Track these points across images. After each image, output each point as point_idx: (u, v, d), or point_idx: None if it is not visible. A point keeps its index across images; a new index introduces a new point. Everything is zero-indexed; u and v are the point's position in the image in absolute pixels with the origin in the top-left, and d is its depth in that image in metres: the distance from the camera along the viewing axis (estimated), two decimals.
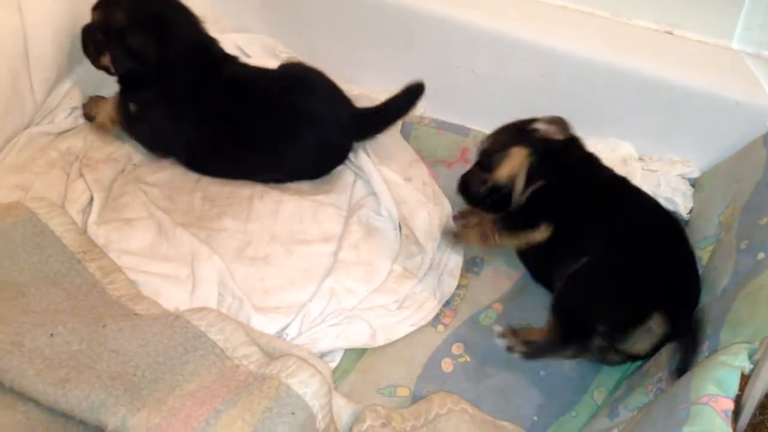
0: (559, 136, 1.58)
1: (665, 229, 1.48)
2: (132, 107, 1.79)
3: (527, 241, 1.52)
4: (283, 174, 1.79)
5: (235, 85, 1.75)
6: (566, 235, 1.48)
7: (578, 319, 1.39)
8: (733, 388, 1.02)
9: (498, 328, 1.48)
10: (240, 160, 1.78)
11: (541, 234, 1.49)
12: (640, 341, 1.38)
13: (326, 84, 1.81)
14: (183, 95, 1.74)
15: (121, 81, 1.80)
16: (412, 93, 1.75)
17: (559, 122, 1.60)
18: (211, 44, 1.79)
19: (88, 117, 1.89)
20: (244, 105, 1.73)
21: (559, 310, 1.42)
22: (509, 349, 1.45)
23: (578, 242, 1.46)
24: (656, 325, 1.35)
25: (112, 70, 1.78)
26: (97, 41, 1.75)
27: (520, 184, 1.54)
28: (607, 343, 1.38)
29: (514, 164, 1.55)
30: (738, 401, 1.02)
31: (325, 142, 1.75)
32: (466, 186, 1.63)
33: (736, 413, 1.02)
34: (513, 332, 1.46)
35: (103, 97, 1.89)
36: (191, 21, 1.77)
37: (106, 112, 1.85)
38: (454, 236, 1.65)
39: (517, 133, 1.60)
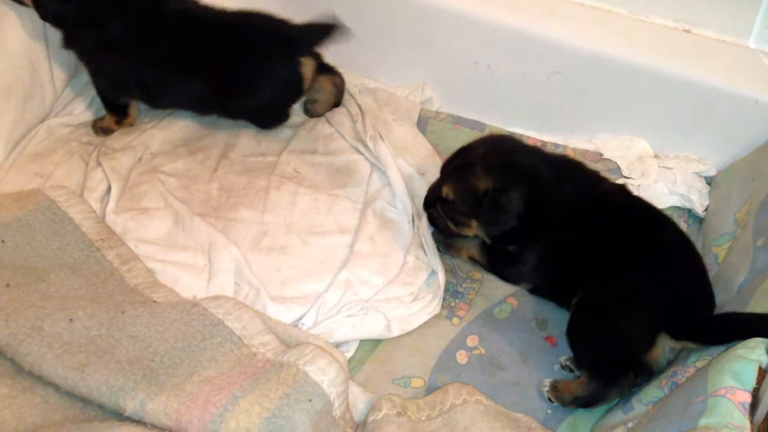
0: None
1: (664, 241, 1.44)
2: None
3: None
4: (232, 106, 1.84)
5: (180, 20, 1.76)
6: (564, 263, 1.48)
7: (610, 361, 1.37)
8: (751, 381, 1.02)
9: (545, 388, 1.43)
10: (189, 92, 1.82)
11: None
12: (661, 360, 1.35)
13: (268, 19, 1.83)
14: (123, 36, 1.74)
15: (57, 25, 1.77)
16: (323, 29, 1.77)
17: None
18: None
19: (101, 130, 1.91)
20: (190, 38, 1.75)
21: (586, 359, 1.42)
22: (550, 401, 1.42)
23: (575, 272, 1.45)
24: (667, 344, 1.33)
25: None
26: None
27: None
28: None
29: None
30: (755, 394, 1.02)
31: (272, 71, 1.79)
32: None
33: (754, 406, 1.02)
34: (555, 388, 1.42)
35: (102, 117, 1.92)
36: None
37: (106, 119, 1.89)
38: (446, 247, 1.65)
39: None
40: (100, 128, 1.90)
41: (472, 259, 1.62)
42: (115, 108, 1.88)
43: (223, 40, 1.75)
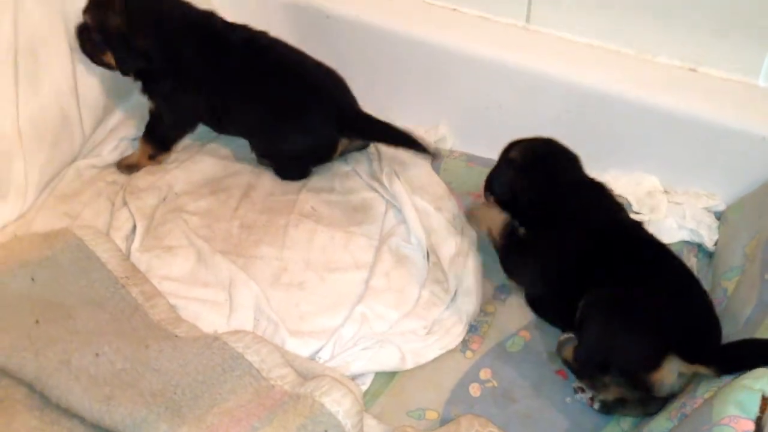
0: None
1: (675, 272, 1.47)
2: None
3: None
4: (279, 142, 1.92)
5: (245, 49, 1.88)
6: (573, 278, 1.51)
7: (594, 356, 1.41)
8: (754, 410, 1.05)
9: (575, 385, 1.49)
10: (246, 119, 1.93)
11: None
12: (668, 386, 1.37)
13: (338, 76, 1.95)
14: (194, 73, 1.88)
15: (137, 77, 1.92)
16: (412, 143, 1.82)
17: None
18: (207, 18, 1.91)
19: (126, 168, 1.99)
20: (256, 67, 1.88)
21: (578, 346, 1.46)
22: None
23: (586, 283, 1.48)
24: (677, 367, 1.34)
25: (116, 69, 1.88)
26: (95, 42, 1.84)
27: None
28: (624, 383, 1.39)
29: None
30: (758, 423, 1.04)
31: (322, 122, 1.87)
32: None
33: None
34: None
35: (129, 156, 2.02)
36: (182, 5, 1.89)
37: (136, 154, 1.99)
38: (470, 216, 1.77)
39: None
40: (125, 166, 1.98)
41: (490, 234, 1.68)
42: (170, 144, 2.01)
43: (282, 78, 1.88)
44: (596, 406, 1.44)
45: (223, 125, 2.00)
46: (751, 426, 1.03)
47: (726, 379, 1.24)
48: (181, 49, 1.86)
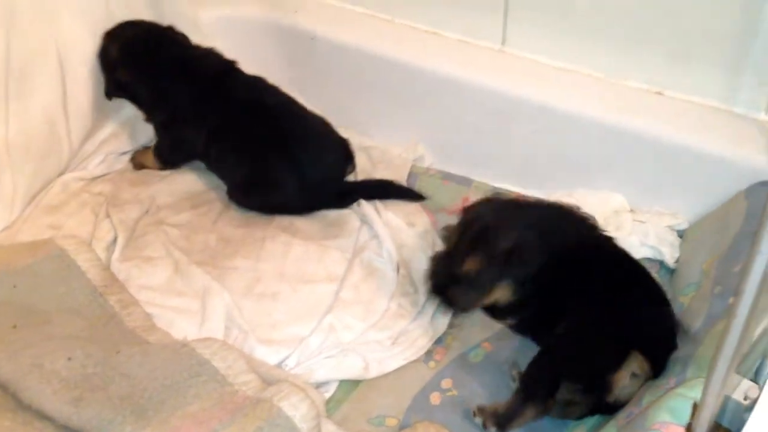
0: None
1: (635, 279, 1.55)
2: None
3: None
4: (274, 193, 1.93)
5: (244, 107, 1.93)
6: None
7: (543, 377, 1.45)
8: (685, 416, 1.09)
9: (473, 408, 1.50)
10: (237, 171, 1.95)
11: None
12: (627, 387, 1.41)
13: (333, 143, 1.99)
14: (192, 108, 1.94)
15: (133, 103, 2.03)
16: (407, 193, 1.92)
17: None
18: (203, 58, 1.98)
19: (138, 165, 2.09)
20: (249, 123, 1.92)
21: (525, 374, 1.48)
22: (484, 426, 1.46)
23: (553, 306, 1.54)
24: (637, 367, 1.41)
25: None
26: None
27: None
28: (583, 394, 1.44)
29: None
30: (689, 429, 1.08)
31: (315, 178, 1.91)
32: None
33: None
34: (481, 409, 1.48)
35: (148, 148, 2.12)
36: (177, 43, 1.98)
37: (150, 159, 2.08)
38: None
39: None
40: (137, 163, 2.09)
41: None
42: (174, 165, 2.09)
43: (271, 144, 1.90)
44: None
45: (214, 168, 2.04)
46: (682, 431, 1.07)
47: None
48: (167, 88, 1.94)
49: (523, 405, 1.43)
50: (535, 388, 1.44)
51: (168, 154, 2.07)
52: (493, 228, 1.56)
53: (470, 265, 1.54)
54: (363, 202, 1.91)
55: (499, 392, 1.53)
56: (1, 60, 1.81)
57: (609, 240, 1.64)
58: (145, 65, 1.94)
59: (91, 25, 1.97)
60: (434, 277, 1.64)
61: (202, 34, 2.21)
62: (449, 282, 1.60)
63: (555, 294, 1.54)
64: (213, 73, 1.96)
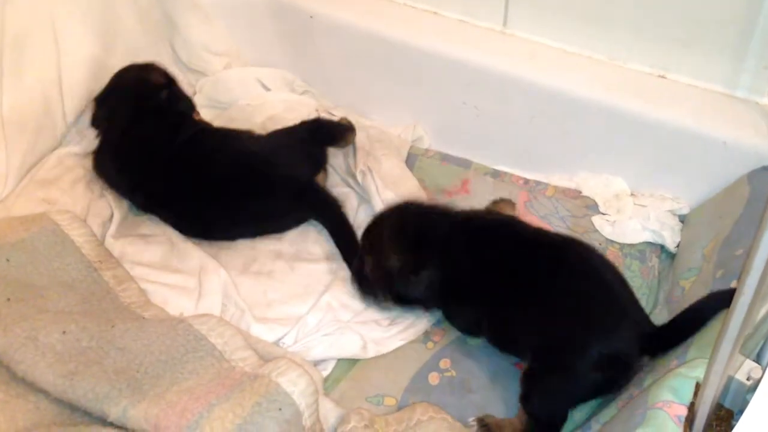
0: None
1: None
2: None
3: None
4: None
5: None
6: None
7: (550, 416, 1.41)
8: (687, 396, 1.08)
9: (472, 421, 1.45)
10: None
11: None
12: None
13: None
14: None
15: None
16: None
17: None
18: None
19: None
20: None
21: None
22: None
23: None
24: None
25: None
26: None
27: None
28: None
29: None
30: (692, 408, 1.08)
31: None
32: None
33: (692, 420, 1.08)
34: (485, 425, 1.43)
35: None
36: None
37: None
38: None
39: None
40: None
41: None
42: None
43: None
44: None
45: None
46: (684, 410, 1.07)
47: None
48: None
49: None
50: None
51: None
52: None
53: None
54: (368, 177, 1.88)
55: (498, 374, 1.53)
56: None
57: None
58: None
59: (86, 1, 1.96)
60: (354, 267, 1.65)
61: (203, 14, 2.19)
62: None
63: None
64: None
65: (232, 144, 1.85)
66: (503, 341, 1.52)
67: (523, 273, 1.47)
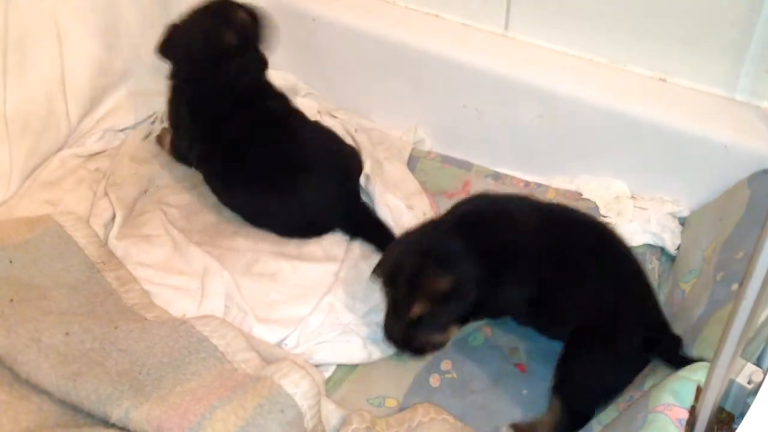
0: None
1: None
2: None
3: None
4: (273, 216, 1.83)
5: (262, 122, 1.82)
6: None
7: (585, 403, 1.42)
8: (689, 399, 1.09)
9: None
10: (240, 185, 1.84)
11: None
12: None
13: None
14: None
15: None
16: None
17: None
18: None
19: (159, 142, 2.07)
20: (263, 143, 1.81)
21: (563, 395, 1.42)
22: None
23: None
24: None
25: None
26: None
27: None
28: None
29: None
30: (693, 412, 1.08)
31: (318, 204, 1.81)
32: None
33: (693, 424, 1.08)
34: (518, 429, 1.44)
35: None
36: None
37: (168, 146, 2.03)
38: None
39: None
40: (159, 143, 2.07)
41: None
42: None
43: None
44: None
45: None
46: (685, 414, 1.07)
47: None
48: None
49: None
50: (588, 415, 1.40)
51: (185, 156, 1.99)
52: (424, 273, 1.47)
53: (417, 310, 1.47)
54: (372, 180, 1.87)
55: (499, 376, 1.53)
56: None
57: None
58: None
59: (89, 1, 1.96)
60: (391, 334, 1.54)
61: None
62: (408, 336, 1.52)
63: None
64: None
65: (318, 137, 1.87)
66: (546, 321, 1.54)
67: (573, 251, 1.50)
